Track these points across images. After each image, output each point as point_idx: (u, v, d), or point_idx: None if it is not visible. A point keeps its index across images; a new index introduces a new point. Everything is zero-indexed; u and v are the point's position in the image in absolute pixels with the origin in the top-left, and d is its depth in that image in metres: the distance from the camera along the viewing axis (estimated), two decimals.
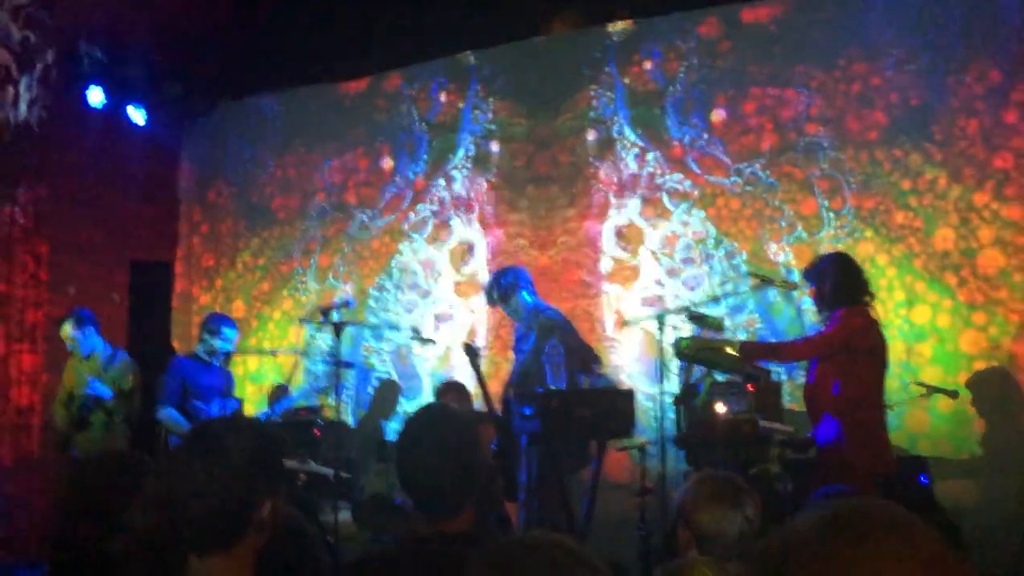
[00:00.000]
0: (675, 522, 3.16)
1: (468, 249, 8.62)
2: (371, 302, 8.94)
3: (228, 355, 7.35)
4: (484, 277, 8.12)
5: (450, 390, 7.62)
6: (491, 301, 6.83)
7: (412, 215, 8.92)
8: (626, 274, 8.01)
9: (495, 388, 7.08)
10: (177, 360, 7.47)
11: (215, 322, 7.43)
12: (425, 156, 8.94)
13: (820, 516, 1.25)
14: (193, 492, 2.09)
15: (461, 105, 8.83)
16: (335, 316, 6.74)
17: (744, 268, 7.28)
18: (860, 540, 1.20)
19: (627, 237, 8.03)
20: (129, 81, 9.34)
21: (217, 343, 7.24)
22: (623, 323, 6.02)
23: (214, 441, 2.17)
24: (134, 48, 9.18)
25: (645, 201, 7.98)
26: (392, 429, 8.16)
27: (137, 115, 9.56)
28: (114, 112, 9.43)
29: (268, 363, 9.09)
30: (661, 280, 7.80)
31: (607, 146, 8.17)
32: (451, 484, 2.63)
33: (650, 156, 8.00)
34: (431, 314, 8.59)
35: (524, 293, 6.64)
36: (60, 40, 8.87)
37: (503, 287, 6.68)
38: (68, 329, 7.56)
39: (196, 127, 10.15)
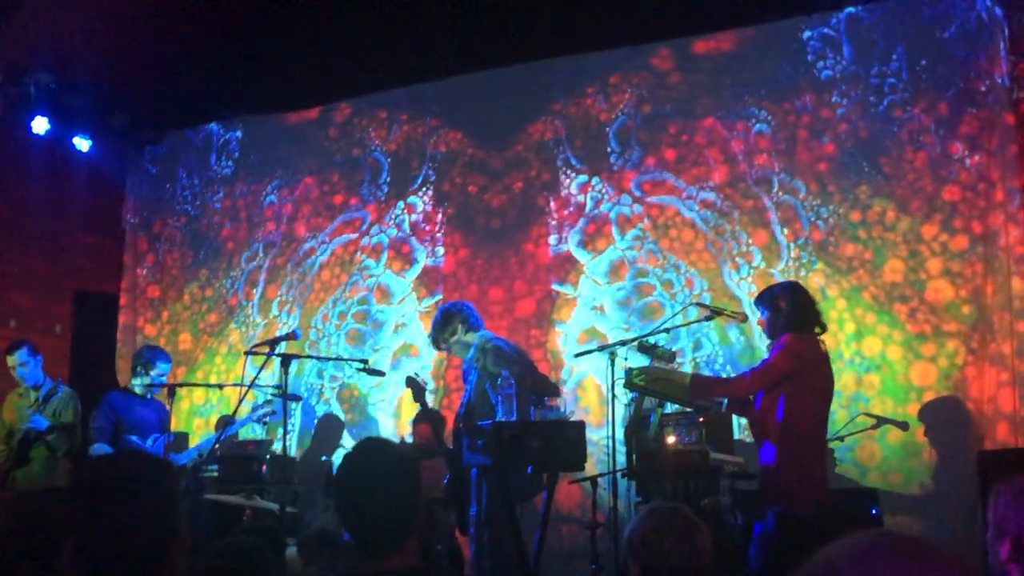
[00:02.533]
0: (626, 557, 3.10)
1: (421, 279, 8.54)
2: (319, 334, 8.84)
3: (172, 389, 7.19)
4: (436, 306, 8.07)
5: (423, 419, 7.51)
6: (436, 345, 6.61)
7: (363, 245, 8.85)
8: (576, 304, 7.99)
9: (448, 421, 6.98)
10: (110, 395, 7.30)
11: (148, 355, 7.29)
12: (377, 186, 8.88)
13: (851, 547, 1.22)
14: (103, 539, 2.01)
15: (414, 135, 8.79)
16: (281, 348, 6.62)
17: (703, 298, 7.27)
18: (895, 571, 1.18)
19: (578, 268, 8.01)
20: (75, 110, 9.20)
21: (151, 377, 7.10)
22: (575, 354, 5.96)
23: (119, 484, 2.09)
24: (80, 77, 9.05)
25: (594, 231, 7.97)
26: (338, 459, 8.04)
27: (83, 144, 9.42)
28: (59, 141, 9.28)
29: (215, 396, 8.94)
30: (609, 310, 7.78)
31: (556, 177, 8.17)
32: (389, 519, 2.56)
33: (599, 186, 8.00)
34: (384, 346, 8.50)
35: (470, 328, 6.53)
36: (5, 67, 8.74)
37: (447, 325, 6.50)
38: (21, 355, 7.34)
39: (143, 157, 10.02)
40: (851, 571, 1.18)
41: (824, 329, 5.42)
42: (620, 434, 5.96)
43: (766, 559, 3.37)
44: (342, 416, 8.54)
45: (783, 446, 5.16)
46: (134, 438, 6.87)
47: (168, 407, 7.04)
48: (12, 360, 7.36)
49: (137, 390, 7.13)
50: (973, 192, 6.79)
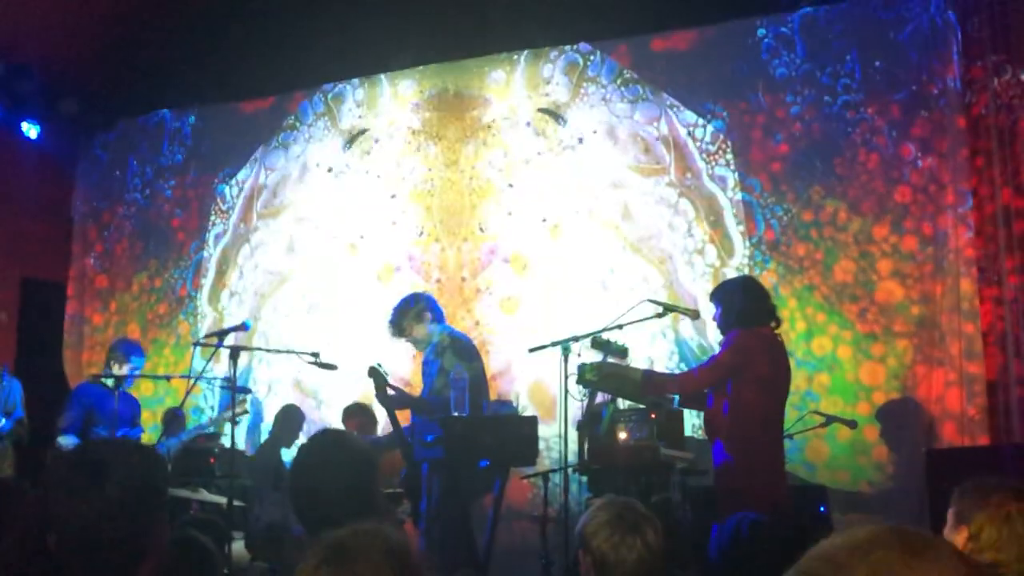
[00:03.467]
0: (576, 551, 3.10)
1: (386, 268, 8.48)
2: (268, 325, 8.76)
3: (117, 380, 7.08)
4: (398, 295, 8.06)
5: (354, 415, 7.46)
6: (397, 333, 6.58)
7: (315, 234, 8.78)
8: (528, 299, 7.98)
9: (404, 415, 6.93)
10: (82, 386, 7.21)
11: (123, 348, 7.19)
12: (332, 178, 8.82)
13: (854, 540, 1.19)
14: (81, 522, 1.94)
15: (375, 125, 8.73)
16: (230, 340, 6.53)
17: (656, 294, 7.27)
18: (898, 564, 1.14)
19: (529, 263, 8.01)
20: (24, 96, 9.05)
21: (125, 370, 7.01)
22: (528, 349, 5.96)
23: (99, 466, 2.03)
24: (29, 61, 8.91)
25: (549, 225, 7.98)
26: (290, 457, 7.94)
27: (31, 130, 9.27)
28: (7, 127, 9.13)
29: (163, 388, 8.82)
30: (563, 306, 7.77)
31: (512, 168, 8.16)
32: (343, 509, 2.54)
33: (556, 178, 8.00)
34: (338, 337, 8.41)
35: (430, 321, 6.50)
36: None
37: (410, 313, 6.49)
38: None
39: (93, 145, 9.88)
40: (851, 564, 1.15)
41: (779, 323, 5.44)
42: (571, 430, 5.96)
43: (736, 567, 3.37)
44: (300, 407, 8.44)
45: (732, 444, 5.18)
46: (103, 431, 6.76)
47: (138, 401, 6.96)
48: None
49: (108, 383, 7.02)
50: (924, 194, 6.86)
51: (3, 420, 7.03)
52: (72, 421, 6.83)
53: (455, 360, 6.15)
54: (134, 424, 7.05)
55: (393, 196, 8.55)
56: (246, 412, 7.26)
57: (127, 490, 1.99)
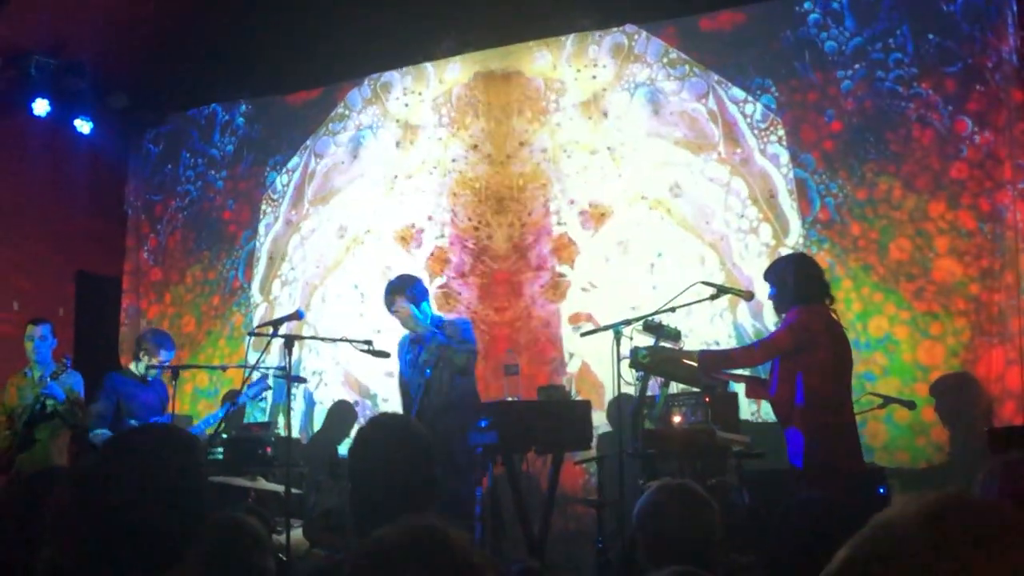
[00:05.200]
0: (634, 533, 3.08)
1: (435, 257, 8.49)
2: (316, 316, 8.80)
3: (176, 371, 7.15)
4: (454, 285, 8.09)
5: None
6: (393, 301, 6.37)
7: (367, 224, 8.80)
8: (577, 283, 7.96)
9: None
10: (112, 377, 7.25)
11: (152, 340, 7.24)
12: (381, 165, 8.84)
13: (917, 510, 1.10)
14: (127, 510, 1.94)
15: (423, 112, 8.73)
16: (285, 329, 6.56)
17: (711, 275, 7.21)
18: (970, 533, 1.06)
19: (579, 245, 7.98)
20: (76, 92, 9.15)
21: (154, 361, 7.07)
22: (580, 333, 5.93)
23: (143, 455, 2.03)
24: (81, 58, 9.01)
25: (597, 206, 7.94)
26: (346, 445, 7.99)
27: (84, 126, 9.38)
28: (60, 124, 9.24)
29: (219, 379, 8.91)
30: (614, 289, 7.74)
31: (559, 149, 8.13)
32: (399, 493, 2.54)
33: (604, 158, 7.96)
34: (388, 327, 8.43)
35: (425, 301, 6.51)
36: (6, 48, 8.69)
37: (413, 289, 6.43)
38: (45, 329, 7.29)
39: (144, 139, 9.99)
40: (915, 537, 1.07)
41: (833, 299, 5.36)
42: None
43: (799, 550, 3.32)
44: (352, 401, 8.49)
45: (807, 430, 5.06)
46: (134, 422, 6.83)
47: (170, 389, 7.00)
48: (35, 331, 7.28)
49: (138, 372, 7.08)
50: (981, 170, 6.74)
51: (63, 394, 7.08)
52: (104, 413, 6.90)
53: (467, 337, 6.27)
54: (163, 412, 7.10)
55: (441, 181, 8.55)
56: (268, 388, 7.29)
57: (163, 476, 1.99)
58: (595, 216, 7.95)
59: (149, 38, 8.75)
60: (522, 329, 8.03)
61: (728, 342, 7.23)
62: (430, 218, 8.55)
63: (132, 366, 7.25)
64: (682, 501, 2.93)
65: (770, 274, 5.45)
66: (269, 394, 8.68)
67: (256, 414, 8.74)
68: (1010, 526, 1.07)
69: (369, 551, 1.47)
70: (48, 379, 7.13)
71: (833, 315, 5.29)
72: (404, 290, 6.35)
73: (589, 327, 6.87)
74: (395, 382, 7.71)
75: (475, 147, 8.47)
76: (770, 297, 5.43)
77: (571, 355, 7.86)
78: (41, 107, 8.95)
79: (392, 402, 7.93)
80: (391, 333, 6.98)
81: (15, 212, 8.95)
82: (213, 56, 8.87)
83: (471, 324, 6.57)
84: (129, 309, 9.69)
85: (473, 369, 6.33)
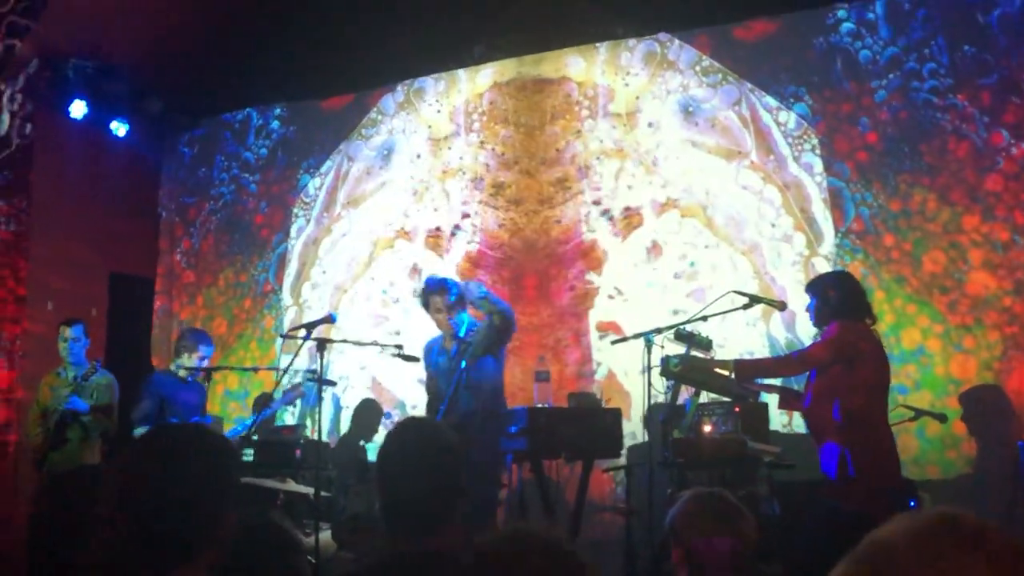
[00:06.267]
0: (665, 542, 3.06)
1: (465, 262, 8.50)
2: (344, 319, 8.82)
3: (209, 372, 7.22)
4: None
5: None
6: (434, 299, 6.26)
7: (398, 227, 8.83)
8: (605, 291, 7.95)
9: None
10: (156, 377, 7.34)
11: (191, 338, 7.30)
12: (413, 169, 8.87)
13: (909, 527, 1.16)
14: (155, 506, 1.97)
15: (456, 118, 8.76)
16: (317, 333, 6.60)
17: (744, 284, 7.18)
18: (954, 551, 1.11)
19: (608, 252, 7.97)
20: (113, 95, 9.25)
21: (194, 360, 7.12)
22: (611, 341, 5.93)
23: (173, 452, 2.05)
24: (118, 62, 9.11)
25: (627, 216, 7.93)
26: (373, 449, 8.01)
27: (120, 129, 9.47)
28: (97, 126, 9.34)
29: (250, 381, 8.96)
30: (642, 297, 7.73)
31: (591, 160, 8.13)
32: (428, 499, 2.55)
33: (636, 165, 7.96)
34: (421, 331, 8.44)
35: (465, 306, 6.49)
36: (44, 51, 8.79)
37: (458, 292, 6.41)
38: (77, 331, 7.37)
39: (178, 142, 10.07)
40: (905, 551, 1.12)
41: (874, 320, 5.33)
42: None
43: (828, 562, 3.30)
44: (378, 401, 8.51)
45: (846, 441, 5.02)
46: (176, 421, 6.88)
47: (205, 389, 7.06)
48: (67, 332, 7.36)
49: (180, 372, 7.15)
50: (1017, 182, 6.69)
51: (86, 405, 7.15)
52: (146, 412, 6.96)
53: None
54: (203, 412, 7.16)
55: (472, 187, 8.57)
56: (303, 395, 7.33)
57: (196, 474, 2.01)
58: (626, 223, 7.95)
59: (185, 43, 8.83)
60: (551, 336, 8.04)
61: (761, 352, 7.19)
62: (460, 223, 8.57)
63: (172, 366, 7.31)
64: (716, 510, 2.92)
65: (812, 287, 5.42)
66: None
67: (285, 416, 8.78)
68: (997, 543, 1.12)
69: (480, 554, 1.50)
70: (77, 383, 7.21)
71: (874, 334, 5.27)
72: (445, 292, 6.34)
73: (615, 335, 6.86)
74: (422, 389, 7.78)
75: (506, 153, 8.49)
76: (808, 309, 5.41)
77: (599, 364, 7.85)
78: (78, 109, 9.05)
79: (420, 409, 7.95)
80: (411, 335, 7.01)
81: (52, 212, 9.03)
82: (248, 61, 8.93)
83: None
84: (161, 311, 9.76)
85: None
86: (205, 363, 7.20)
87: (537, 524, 1.56)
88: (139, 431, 6.86)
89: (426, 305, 6.37)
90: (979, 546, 1.11)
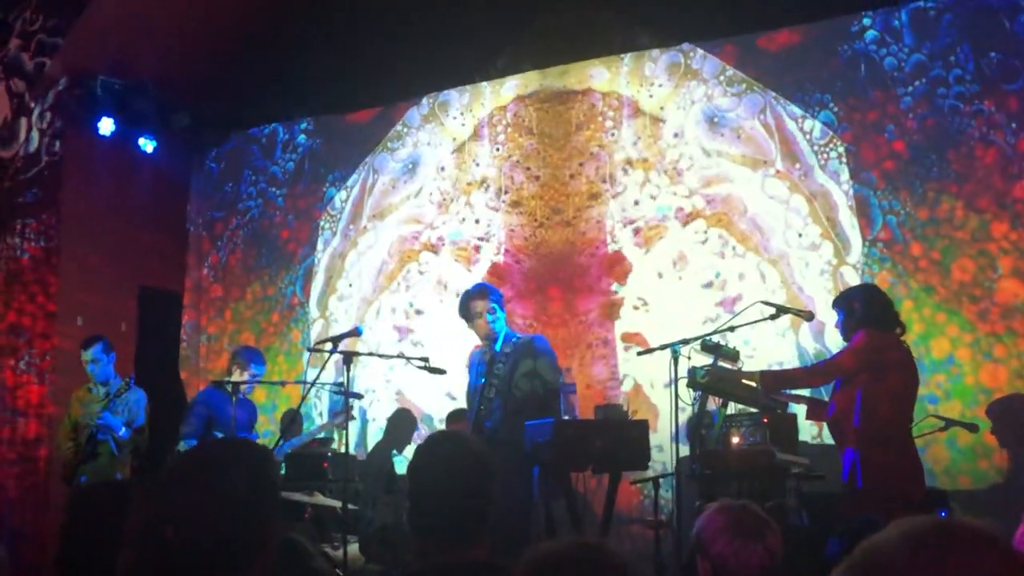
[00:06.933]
0: (692, 555, 3.05)
1: (491, 274, 8.51)
2: (375, 331, 8.85)
3: (235, 386, 7.26)
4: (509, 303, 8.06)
5: (458, 419, 7.49)
6: (474, 308, 6.37)
7: (424, 239, 8.86)
8: (630, 302, 7.94)
9: None
10: (207, 391, 7.43)
11: (245, 355, 7.38)
12: (438, 182, 8.89)
13: (901, 535, 1.18)
14: (197, 517, 1.98)
15: (480, 130, 8.77)
16: (343, 346, 6.63)
17: (772, 294, 7.14)
18: (947, 557, 1.13)
19: (634, 262, 7.96)
20: (140, 111, 9.33)
21: (244, 377, 7.19)
22: (637, 352, 5.92)
23: (217, 464, 2.06)
24: (146, 79, 9.19)
25: (652, 227, 7.92)
26: (401, 461, 8.02)
27: (148, 145, 9.55)
28: (125, 142, 9.42)
29: (275, 395, 8.99)
30: (667, 307, 7.71)
31: (615, 171, 8.12)
32: (459, 512, 2.56)
33: (658, 179, 7.94)
34: (446, 343, 8.45)
35: (503, 314, 6.50)
36: (72, 68, 8.88)
37: (497, 300, 6.45)
38: (95, 352, 7.42)
39: (206, 157, 10.14)
40: (899, 557, 1.14)
41: (904, 330, 5.31)
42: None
43: None
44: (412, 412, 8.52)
45: (865, 450, 5.01)
46: (219, 435, 6.92)
47: (255, 406, 7.11)
48: (85, 355, 7.44)
49: (230, 388, 7.19)
50: None
51: (124, 429, 7.22)
52: (194, 427, 7.00)
53: (554, 372, 6.23)
54: (252, 429, 7.22)
55: (497, 199, 8.58)
56: (353, 418, 7.38)
57: (242, 488, 2.01)
58: (651, 234, 7.93)
59: (212, 59, 8.90)
60: (576, 348, 8.03)
61: (791, 363, 7.15)
62: (485, 235, 8.58)
63: (227, 380, 7.35)
64: (744, 523, 2.90)
65: (838, 302, 5.43)
66: (325, 409, 8.76)
67: (311, 428, 8.80)
68: (988, 549, 1.14)
69: (536, 564, 1.52)
70: (109, 399, 7.25)
71: (903, 344, 5.24)
72: (486, 296, 6.38)
73: (640, 347, 6.85)
74: (450, 404, 7.81)
75: (531, 165, 8.49)
76: (837, 325, 5.40)
77: (625, 376, 7.83)
78: (106, 126, 9.14)
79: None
80: (435, 347, 6.98)
81: (81, 228, 9.11)
82: (274, 76, 8.99)
83: (552, 356, 6.47)
84: (189, 325, 9.82)
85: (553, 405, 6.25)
86: (258, 380, 7.29)
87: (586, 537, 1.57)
88: (183, 445, 6.90)
89: (466, 314, 6.40)
90: (975, 553, 1.13)
